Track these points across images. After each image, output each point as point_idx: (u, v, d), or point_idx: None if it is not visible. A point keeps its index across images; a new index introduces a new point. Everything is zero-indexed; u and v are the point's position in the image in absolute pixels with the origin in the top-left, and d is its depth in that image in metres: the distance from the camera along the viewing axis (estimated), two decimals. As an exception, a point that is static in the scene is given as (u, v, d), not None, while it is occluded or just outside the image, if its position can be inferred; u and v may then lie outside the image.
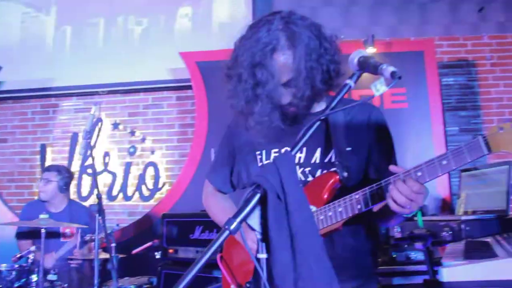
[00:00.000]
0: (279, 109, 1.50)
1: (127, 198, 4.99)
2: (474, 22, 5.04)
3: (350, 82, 1.32)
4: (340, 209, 1.44)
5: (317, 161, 1.58)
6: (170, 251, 3.42)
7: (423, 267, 2.99)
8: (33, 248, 3.35)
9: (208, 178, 1.91)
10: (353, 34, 4.78)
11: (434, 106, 4.55)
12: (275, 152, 1.64)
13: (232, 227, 1.11)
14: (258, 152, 1.68)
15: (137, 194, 4.98)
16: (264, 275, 1.14)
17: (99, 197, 2.84)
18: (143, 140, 5.08)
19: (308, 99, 1.49)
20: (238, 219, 1.12)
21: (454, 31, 5.04)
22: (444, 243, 2.42)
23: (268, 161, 1.64)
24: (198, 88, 4.80)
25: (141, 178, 4.98)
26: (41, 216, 3.24)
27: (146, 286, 3.70)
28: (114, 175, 5.04)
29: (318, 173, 1.57)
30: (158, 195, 4.95)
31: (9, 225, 3.87)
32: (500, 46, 5.00)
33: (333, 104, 1.30)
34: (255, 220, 1.16)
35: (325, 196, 1.49)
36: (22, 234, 3.95)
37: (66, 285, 3.50)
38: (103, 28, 5.40)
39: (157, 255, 3.59)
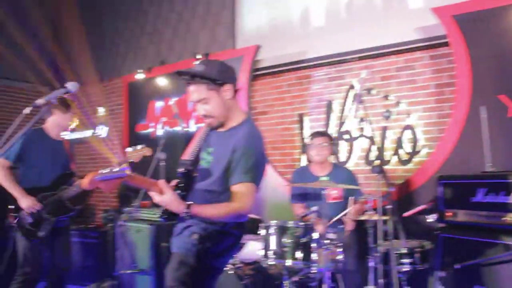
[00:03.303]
0: None
1: (385, 162, 4.98)
2: None
3: None
4: None
5: None
6: (448, 214, 3.28)
7: None
8: (315, 208, 3.61)
9: None
10: None
11: None
12: None
13: None
14: None
15: (395, 158, 4.93)
16: None
17: (380, 158, 2.89)
18: (397, 103, 4.99)
19: None
20: None
21: None
22: None
23: None
24: (457, 44, 4.47)
25: (399, 142, 4.92)
26: (321, 178, 3.47)
27: (417, 249, 3.66)
28: (370, 140, 5.09)
29: None
30: (416, 158, 4.83)
31: (294, 186, 4.26)
32: None
33: None
34: None
35: None
36: (295, 196, 4.31)
37: (341, 244, 3.70)
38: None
39: (429, 218, 3.49)
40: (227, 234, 2.46)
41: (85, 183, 2.08)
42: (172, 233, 2.60)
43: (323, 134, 4.41)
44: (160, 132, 7.03)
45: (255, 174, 2.35)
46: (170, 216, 2.38)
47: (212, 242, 2.41)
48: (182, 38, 7.19)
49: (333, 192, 4.18)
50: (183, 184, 2.44)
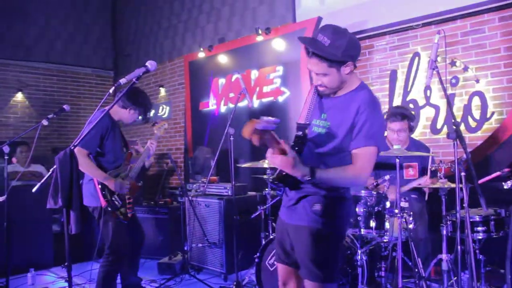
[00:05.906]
0: None
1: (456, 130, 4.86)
2: None
3: None
4: None
5: None
6: (528, 182, 3.22)
7: None
8: (387, 177, 3.63)
9: None
10: None
11: None
12: None
13: None
14: None
15: (462, 126, 4.82)
16: None
17: (456, 124, 2.86)
18: (465, 69, 4.84)
19: None
20: None
21: None
22: None
23: None
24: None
25: (466, 109, 4.79)
26: (395, 146, 3.48)
27: (493, 217, 3.62)
28: (437, 108, 4.99)
29: None
30: (486, 125, 4.69)
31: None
32: None
33: None
34: None
35: None
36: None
37: (411, 213, 3.70)
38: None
39: (506, 185, 3.43)
40: (345, 200, 2.39)
41: (245, 133, 2.03)
42: (283, 203, 2.53)
43: (403, 117, 4.16)
44: (223, 109, 7.16)
45: (379, 139, 2.29)
46: (286, 181, 2.29)
47: (335, 209, 2.34)
48: (240, 15, 7.24)
49: (409, 169, 4.18)
50: (297, 148, 2.35)
